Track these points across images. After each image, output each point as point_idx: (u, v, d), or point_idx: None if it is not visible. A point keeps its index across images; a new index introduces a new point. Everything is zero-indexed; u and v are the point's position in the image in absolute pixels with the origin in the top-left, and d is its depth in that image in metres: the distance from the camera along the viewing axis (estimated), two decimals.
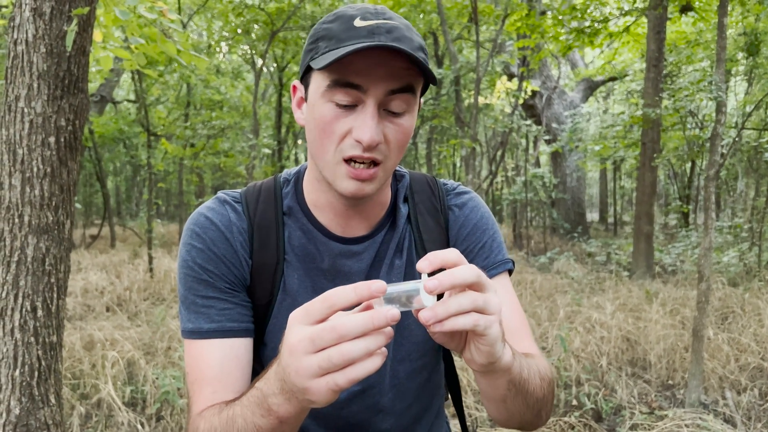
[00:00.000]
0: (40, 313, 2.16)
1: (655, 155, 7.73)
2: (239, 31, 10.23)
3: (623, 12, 8.14)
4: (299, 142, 16.34)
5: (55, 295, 2.20)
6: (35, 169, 2.11)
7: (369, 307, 0.65)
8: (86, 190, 16.69)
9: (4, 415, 2.11)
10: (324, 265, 0.94)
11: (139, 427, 3.40)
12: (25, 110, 2.09)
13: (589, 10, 7.63)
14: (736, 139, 8.25)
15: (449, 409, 3.29)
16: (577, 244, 12.00)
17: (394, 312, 0.60)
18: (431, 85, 0.93)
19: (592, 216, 21.27)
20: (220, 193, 0.97)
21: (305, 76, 0.88)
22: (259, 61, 11.59)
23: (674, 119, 9.47)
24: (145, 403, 3.78)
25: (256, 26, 10.15)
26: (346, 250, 0.95)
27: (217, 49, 11.65)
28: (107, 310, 6.23)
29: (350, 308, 0.63)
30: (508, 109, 13.18)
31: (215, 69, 12.18)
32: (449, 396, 1.15)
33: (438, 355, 1.05)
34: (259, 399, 0.72)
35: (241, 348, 0.89)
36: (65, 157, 2.17)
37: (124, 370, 4.12)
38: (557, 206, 13.43)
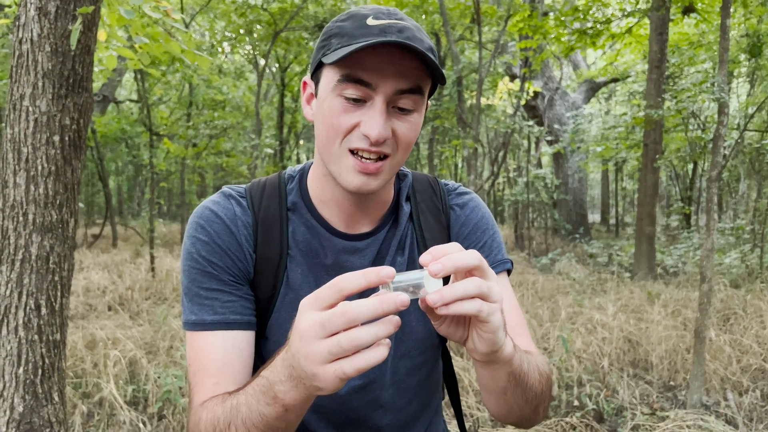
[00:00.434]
0: (43, 311, 2.16)
1: (657, 156, 7.73)
2: (242, 31, 10.25)
3: (626, 13, 8.13)
4: (301, 142, 16.36)
5: (58, 294, 2.21)
6: (40, 168, 2.12)
7: None
8: (88, 189, 16.73)
9: (8, 412, 2.12)
10: (327, 261, 0.95)
11: (141, 426, 3.40)
12: (30, 109, 2.10)
13: (591, 12, 7.62)
14: (739, 140, 8.25)
15: (449, 410, 3.29)
16: (579, 245, 12.00)
17: (403, 297, 0.61)
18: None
19: (594, 217, 21.28)
20: (225, 188, 0.98)
21: (316, 73, 0.89)
22: (262, 61, 11.61)
23: (676, 120, 9.46)
24: (147, 402, 3.79)
25: (258, 26, 10.17)
26: (349, 246, 0.96)
27: (219, 49, 11.66)
28: (109, 309, 6.24)
29: (359, 295, 0.64)
30: (510, 110, 13.19)
31: (218, 69, 12.20)
32: (448, 395, 1.16)
33: (437, 353, 1.06)
34: (265, 387, 0.72)
35: (243, 341, 0.90)
36: (69, 155, 2.18)
37: (125, 369, 4.13)
38: (559, 207, 13.43)
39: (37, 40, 2.07)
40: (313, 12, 9.91)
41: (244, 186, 0.99)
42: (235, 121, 10.98)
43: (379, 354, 0.62)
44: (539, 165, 15.40)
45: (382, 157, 0.85)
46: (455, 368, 2.69)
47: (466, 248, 1.00)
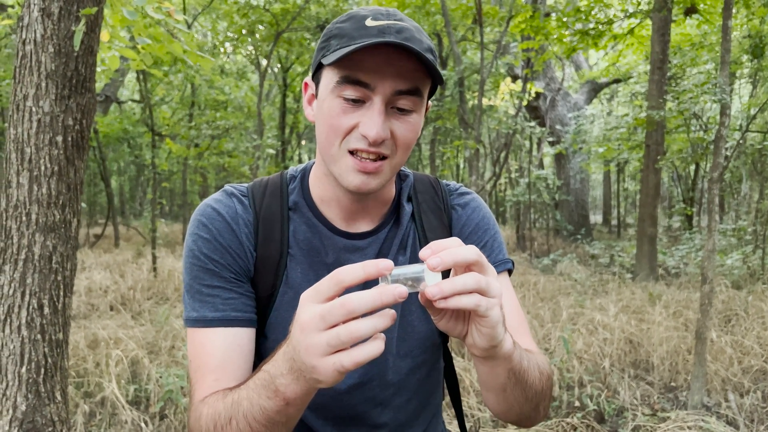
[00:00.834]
0: (46, 310, 2.17)
1: (658, 157, 7.72)
2: (244, 31, 10.26)
3: (627, 14, 8.13)
4: (303, 142, 16.37)
5: (61, 293, 2.22)
6: (43, 168, 2.13)
7: None
8: (90, 189, 16.75)
9: (11, 411, 2.13)
10: (328, 260, 0.96)
11: (143, 425, 3.41)
12: (33, 109, 2.11)
13: (593, 12, 7.63)
14: (740, 141, 8.24)
15: (450, 410, 3.29)
16: (581, 245, 11.99)
17: (401, 289, 0.61)
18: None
19: (596, 218, 21.27)
20: (227, 186, 0.99)
21: (317, 74, 0.90)
22: (264, 62, 11.62)
23: (678, 121, 9.46)
24: (149, 401, 3.80)
25: (260, 27, 10.19)
26: (351, 245, 0.97)
27: (222, 50, 11.68)
28: (111, 309, 6.25)
29: (358, 288, 0.64)
30: (511, 111, 13.17)
31: (220, 69, 12.22)
32: (449, 395, 1.17)
33: (439, 352, 1.07)
34: (266, 381, 0.73)
35: (244, 338, 0.90)
36: (72, 156, 2.19)
37: (127, 369, 4.15)
38: (561, 208, 13.43)
39: (40, 41, 2.08)
40: (315, 12, 9.92)
41: (246, 185, 1.00)
42: (237, 122, 10.99)
43: (376, 347, 0.63)
44: (541, 166, 15.39)
45: (381, 158, 0.86)
46: (456, 368, 2.70)
47: None
